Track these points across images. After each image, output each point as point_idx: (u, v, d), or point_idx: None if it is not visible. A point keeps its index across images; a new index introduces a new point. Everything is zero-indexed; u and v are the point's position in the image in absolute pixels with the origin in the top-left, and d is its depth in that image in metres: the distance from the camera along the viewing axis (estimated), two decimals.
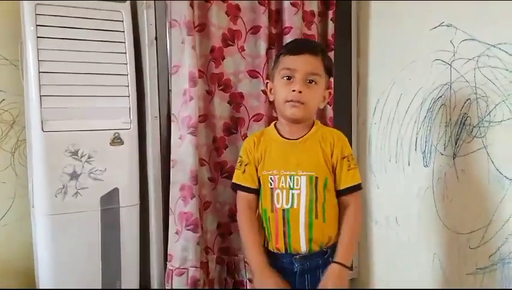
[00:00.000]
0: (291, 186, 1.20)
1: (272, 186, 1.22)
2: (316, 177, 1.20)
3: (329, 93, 1.29)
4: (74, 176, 1.54)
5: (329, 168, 1.23)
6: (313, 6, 1.80)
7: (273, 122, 1.33)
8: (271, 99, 1.32)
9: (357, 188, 1.25)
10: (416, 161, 1.69)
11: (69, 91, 1.54)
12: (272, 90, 1.28)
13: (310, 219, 1.19)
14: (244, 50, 1.72)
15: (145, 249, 1.70)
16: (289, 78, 1.20)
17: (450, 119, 1.54)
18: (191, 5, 1.59)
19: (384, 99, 1.84)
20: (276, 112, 1.75)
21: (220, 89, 1.70)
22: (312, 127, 1.27)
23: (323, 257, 1.22)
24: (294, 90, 1.18)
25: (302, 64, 1.20)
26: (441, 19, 1.55)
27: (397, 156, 1.78)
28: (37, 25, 1.49)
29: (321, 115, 1.86)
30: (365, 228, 1.96)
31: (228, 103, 1.72)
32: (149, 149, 1.65)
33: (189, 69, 1.59)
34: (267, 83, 1.33)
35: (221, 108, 1.71)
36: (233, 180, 1.33)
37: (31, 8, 1.49)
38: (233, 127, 1.74)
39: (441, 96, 1.57)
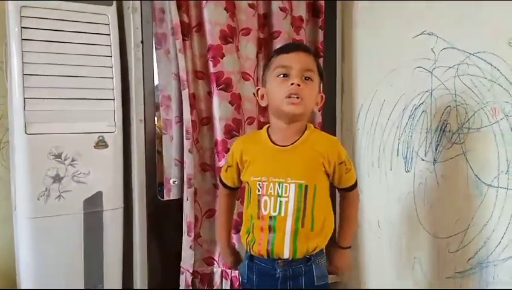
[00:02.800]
0: (280, 194, 1.19)
1: (260, 193, 1.20)
2: (306, 186, 1.19)
3: (322, 97, 1.28)
4: (57, 179, 1.54)
5: (321, 175, 1.22)
6: (301, 12, 1.82)
7: (266, 127, 1.30)
8: (263, 105, 1.29)
9: (354, 186, 1.32)
10: (397, 166, 1.71)
11: (53, 94, 1.54)
12: (264, 96, 1.26)
13: (296, 227, 1.18)
14: (239, 50, 1.71)
15: (129, 253, 1.70)
16: (285, 75, 1.18)
17: (431, 125, 1.57)
18: (180, 7, 1.59)
19: (367, 106, 1.87)
20: (268, 116, 1.80)
21: (220, 89, 1.66)
22: (304, 131, 1.25)
23: (306, 263, 1.22)
24: (292, 84, 1.16)
25: (297, 60, 1.19)
26: (423, 27, 1.58)
27: (380, 161, 1.81)
28: (21, 27, 1.49)
29: (310, 120, 1.88)
30: None
31: (230, 103, 1.67)
32: (134, 152, 1.65)
33: (180, 73, 1.59)
34: (258, 89, 1.30)
35: (221, 109, 1.66)
36: (220, 174, 1.41)
37: (16, 10, 1.48)
38: (235, 129, 1.69)
39: (422, 103, 1.60)
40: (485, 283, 1.40)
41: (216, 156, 1.69)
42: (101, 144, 1.60)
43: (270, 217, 1.19)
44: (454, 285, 1.49)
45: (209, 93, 1.68)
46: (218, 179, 1.43)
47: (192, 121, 1.63)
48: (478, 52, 1.39)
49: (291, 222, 1.18)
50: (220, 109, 1.66)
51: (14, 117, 1.51)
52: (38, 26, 1.51)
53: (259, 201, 1.21)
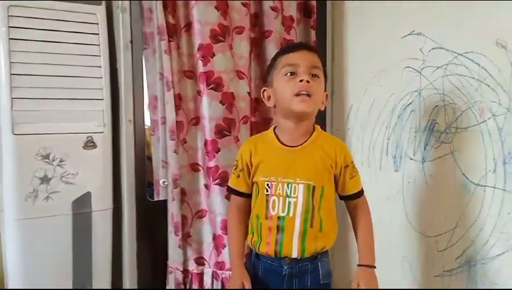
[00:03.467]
0: (288, 194, 1.19)
1: (268, 193, 1.21)
2: (314, 187, 1.20)
3: (326, 96, 1.29)
4: (45, 179, 1.52)
5: (328, 177, 1.24)
6: (292, 12, 1.82)
7: (272, 127, 1.31)
8: (270, 105, 1.29)
9: (361, 193, 1.31)
10: (387, 165, 1.72)
11: (41, 94, 1.52)
12: (271, 96, 1.26)
13: (305, 227, 1.20)
14: (232, 48, 1.70)
15: (119, 254, 1.69)
16: (292, 73, 1.19)
17: (419, 125, 1.58)
18: (165, 7, 1.59)
19: (357, 105, 1.87)
20: (258, 117, 1.82)
21: (210, 88, 1.64)
22: (312, 132, 1.26)
23: (312, 261, 1.23)
24: (301, 81, 1.17)
25: (304, 58, 1.20)
26: (412, 27, 1.59)
27: (369, 161, 1.81)
28: (9, 27, 1.47)
29: None
30: (338, 232, 1.98)
31: (221, 102, 1.66)
32: (123, 153, 1.64)
33: (164, 74, 1.59)
34: (264, 90, 1.29)
35: (211, 108, 1.65)
36: (229, 183, 1.35)
37: (3, 9, 1.46)
38: (226, 128, 1.68)
39: (410, 103, 1.61)
40: (473, 282, 1.41)
41: (206, 156, 1.67)
42: (90, 144, 1.59)
43: (279, 218, 1.20)
44: (443, 284, 1.50)
45: (199, 93, 1.67)
46: (227, 190, 1.37)
47: (178, 121, 1.63)
48: (466, 52, 1.40)
49: (299, 222, 1.19)
50: (210, 108, 1.65)
51: (2, 117, 1.49)
52: (26, 25, 1.50)
53: (267, 201, 1.21)
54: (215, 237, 1.69)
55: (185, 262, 1.68)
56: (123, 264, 1.68)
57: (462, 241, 1.44)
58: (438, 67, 1.50)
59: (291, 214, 1.19)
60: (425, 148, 1.56)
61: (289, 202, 1.19)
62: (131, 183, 1.65)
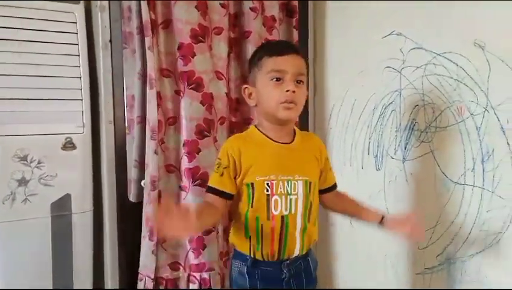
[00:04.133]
0: (289, 192, 1.18)
1: (269, 193, 1.17)
2: (310, 182, 1.22)
3: (307, 95, 1.28)
4: (23, 182, 1.49)
5: (317, 171, 1.27)
6: (274, 12, 1.81)
7: (253, 126, 1.28)
8: (252, 104, 1.26)
9: (336, 186, 1.37)
10: (369, 164, 1.74)
11: (18, 94, 1.49)
12: (253, 94, 1.24)
13: (305, 223, 1.21)
14: (212, 49, 1.69)
15: (100, 256, 1.66)
16: (278, 79, 1.17)
17: (400, 124, 1.59)
18: (149, 4, 1.55)
19: (339, 105, 1.88)
20: (239, 117, 1.81)
21: (191, 88, 1.62)
22: (294, 130, 1.27)
23: (305, 258, 1.26)
24: (288, 91, 1.15)
25: (291, 65, 1.17)
26: (392, 27, 1.60)
27: (352, 160, 1.83)
28: None
29: None
30: (322, 231, 1.99)
31: (201, 103, 1.64)
32: (103, 154, 1.62)
33: (148, 71, 1.55)
34: (246, 88, 1.26)
35: (192, 108, 1.63)
36: (209, 183, 1.22)
37: None
38: (207, 129, 1.66)
39: (391, 103, 1.62)
40: (453, 279, 1.43)
41: (185, 157, 1.64)
42: (69, 145, 1.57)
43: (282, 217, 1.18)
44: (424, 281, 1.52)
45: (177, 92, 1.65)
46: (207, 190, 1.23)
47: (158, 120, 1.59)
48: (444, 53, 1.42)
49: (300, 218, 1.20)
50: (191, 108, 1.63)
51: None
52: (2, 24, 1.46)
53: (268, 201, 1.17)
54: (192, 240, 1.65)
55: (159, 269, 1.63)
56: (104, 266, 1.65)
57: (442, 239, 1.46)
58: (418, 67, 1.51)
59: (293, 212, 1.18)
60: (405, 147, 1.58)
61: (290, 200, 1.18)
62: (111, 184, 1.62)
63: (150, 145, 1.57)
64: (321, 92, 1.98)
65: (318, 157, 1.27)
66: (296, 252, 1.21)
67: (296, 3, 1.88)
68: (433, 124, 1.47)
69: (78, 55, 1.58)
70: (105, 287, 1.66)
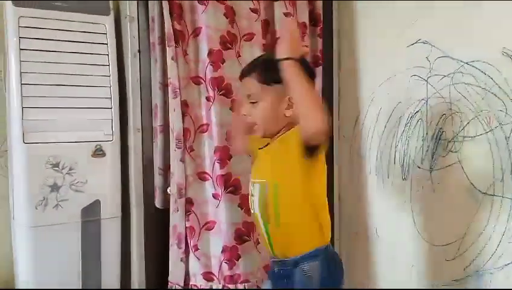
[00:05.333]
0: (252, 193, 1.25)
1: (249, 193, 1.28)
2: (266, 184, 1.20)
3: (288, 99, 1.18)
4: (55, 188, 1.54)
5: (284, 173, 1.18)
6: (305, 18, 1.82)
7: None
8: None
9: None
10: (394, 174, 1.72)
11: (51, 103, 1.55)
12: None
13: (265, 223, 1.22)
14: (240, 56, 1.69)
15: (127, 262, 1.70)
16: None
17: (427, 133, 1.58)
18: (172, 14, 1.58)
19: (364, 114, 1.87)
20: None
21: (221, 94, 1.63)
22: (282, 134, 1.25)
23: (294, 267, 1.18)
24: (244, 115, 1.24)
25: (242, 89, 1.27)
26: (418, 36, 1.59)
27: (377, 169, 1.81)
28: (20, 37, 1.50)
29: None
30: (346, 239, 1.99)
31: (230, 109, 1.65)
32: (131, 161, 1.66)
33: (171, 81, 1.58)
34: None
35: (223, 114, 1.63)
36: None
37: (14, 20, 1.50)
38: None
39: (418, 112, 1.61)
40: None
41: (217, 163, 1.63)
42: (99, 152, 1.61)
43: (252, 214, 1.27)
44: None
45: (207, 99, 1.65)
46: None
47: (185, 128, 1.61)
48: (472, 61, 1.40)
49: (261, 219, 1.22)
50: (221, 114, 1.63)
51: (12, 126, 1.52)
52: (36, 36, 1.53)
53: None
54: (225, 249, 1.63)
55: (191, 276, 1.63)
56: (131, 270, 1.69)
57: (470, 250, 1.43)
58: (445, 76, 1.49)
59: (255, 211, 1.24)
60: (432, 157, 1.56)
61: (253, 201, 1.24)
62: (139, 190, 1.66)
63: (176, 153, 1.58)
64: (346, 100, 1.98)
65: (288, 155, 1.16)
66: (270, 252, 1.25)
67: (320, 12, 1.88)
68: (460, 134, 1.45)
69: (108, 65, 1.63)
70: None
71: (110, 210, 1.65)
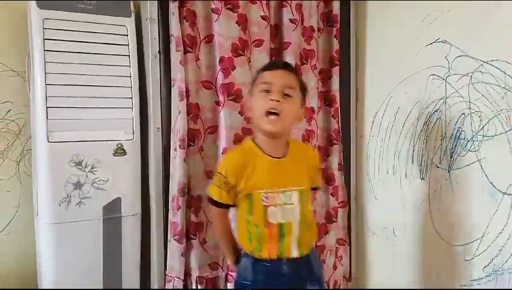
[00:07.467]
0: (286, 202, 1.25)
1: (266, 204, 1.25)
2: (303, 190, 1.28)
3: (304, 111, 1.34)
4: (78, 185, 1.58)
5: (309, 179, 1.33)
6: (313, 22, 1.85)
7: (250, 138, 1.32)
8: (248, 116, 1.36)
9: (319, 188, 1.52)
10: (412, 173, 1.72)
11: (74, 103, 1.59)
12: (250, 107, 1.32)
13: (301, 229, 1.27)
14: (250, 62, 1.74)
15: (146, 258, 1.73)
16: (267, 91, 1.24)
17: (445, 133, 1.57)
18: (186, 20, 1.63)
19: (382, 113, 1.87)
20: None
21: (230, 99, 1.70)
22: (289, 143, 1.32)
23: (308, 258, 1.30)
24: (272, 100, 1.22)
25: (278, 77, 1.25)
26: (436, 35, 1.59)
27: (395, 169, 1.81)
28: (44, 39, 1.55)
29: (325, 127, 1.93)
30: (363, 238, 1.99)
31: (239, 113, 1.72)
32: (151, 160, 1.69)
33: (177, 84, 1.63)
34: (246, 101, 1.39)
35: (231, 118, 1.70)
36: (214, 197, 1.28)
37: (38, 22, 1.54)
38: (244, 138, 1.67)
39: (436, 111, 1.61)
40: None
41: None
42: (120, 151, 1.65)
43: (279, 225, 1.25)
44: None
45: (217, 103, 1.72)
46: (210, 201, 1.31)
47: (196, 129, 1.68)
48: (491, 60, 1.39)
49: (297, 226, 1.26)
50: (230, 118, 1.70)
51: (37, 126, 1.56)
52: (60, 37, 1.57)
53: (265, 211, 1.25)
54: None
55: (196, 269, 1.70)
56: (151, 267, 1.72)
57: (489, 250, 1.43)
58: (464, 75, 1.49)
59: (290, 220, 1.26)
60: (451, 157, 1.55)
61: (287, 209, 1.25)
62: (159, 189, 1.68)
63: (179, 153, 1.62)
64: (363, 99, 1.98)
65: (308, 166, 1.34)
66: (294, 254, 1.27)
67: (337, 12, 1.89)
68: (480, 133, 1.45)
69: (129, 66, 1.66)
70: (152, 288, 1.72)
71: (131, 207, 1.68)
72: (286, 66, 1.33)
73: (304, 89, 1.32)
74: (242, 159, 1.28)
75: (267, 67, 1.32)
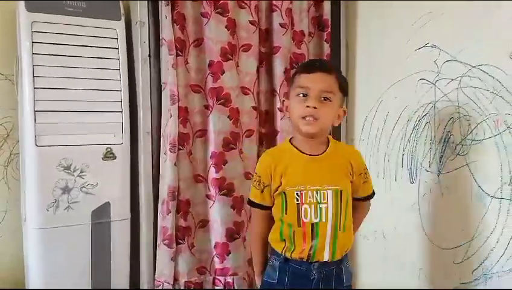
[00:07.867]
0: (319, 201, 1.24)
1: (299, 202, 1.24)
2: (341, 191, 1.25)
3: (344, 111, 1.30)
4: (66, 190, 1.57)
5: (348, 181, 1.29)
6: (303, 27, 1.85)
7: (288, 139, 1.34)
8: (287, 116, 1.33)
9: (369, 197, 1.38)
10: (402, 177, 1.72)
11: (63, 106, 1.57)
12: (288, 108, 1.31)
13: (336, 231, 1.24)
14: (238, 66, 1.75)
15: (136, 263, 1.72)
16: (304, 95, 1.22)
17: (435, 137, 1.58)
18: (176, 23, 1.63)
19: (371, 117, 1.88)
20: (267, 128, 1.86)
21: (219, 103, 1.70)
22: (328, 143, 1.30)
23: (338, 265, 1.28)
24: (308, 107, 1.20)
25: (316, 82, 1.22)
26: (426, 40, 1.60)
27: (385, 172, 1.82)
28: (32, 42, 1.53)
29: None
30: (354, 242, 1.98)
31: (228, 117, 1.73)
32: (141, 164, 1.68)
33: (169, 87, 1.63)
34: (283, 101, 1.37)
35: (220, 123, 1.71)
36: (251, 198, 1.32)
37: (27, 25, 1.53)
38: (233, 142, 1.74)
39: (425, 115, 1.61)
40: None
41: (213, 168, 1.72)
42: (109, 155, 1.63)
43: (312, 224, 1.23)
44: None
45: (206, 107, 1.72)
46: (248, 203, 1.35)
47: (185, 133, 1.67)
48: (480, 65, 1.41)
49: (331, 226, 1.23)
50: (219, 122, 1.70)
51: (25, 130, 1.55)
52: (49, 40, 1.55)
53: (298, 210, 1.24)
54: (217, 246, 1.73)
55: (188, 273, 1.71)
56: (140, 271, 1.70)
57: (478, 253, 1.44)
58: (453, 80, 1.50)
59: (323, 220, 1.23)
60: (440, 160, 1.56)
61: (320, 208, 1.23)
62: (148, 193, 1.68)
63: (169, 157, 1.62)
64: (353, 103, 1.99)
65: (350, 170, 1.29)
66: (326, 257, 1.24)
67: (327, 17, 1.90)
68: (468, 137, 1.46)
69: (119, 69, 1.65)
70: None
71: (120, 212, 1.67)
72: (325, 68, 1.27)
73: (344, 89, 1.28)
74: (273, 159, 1.29)
75: (305, 69, 1.28)
